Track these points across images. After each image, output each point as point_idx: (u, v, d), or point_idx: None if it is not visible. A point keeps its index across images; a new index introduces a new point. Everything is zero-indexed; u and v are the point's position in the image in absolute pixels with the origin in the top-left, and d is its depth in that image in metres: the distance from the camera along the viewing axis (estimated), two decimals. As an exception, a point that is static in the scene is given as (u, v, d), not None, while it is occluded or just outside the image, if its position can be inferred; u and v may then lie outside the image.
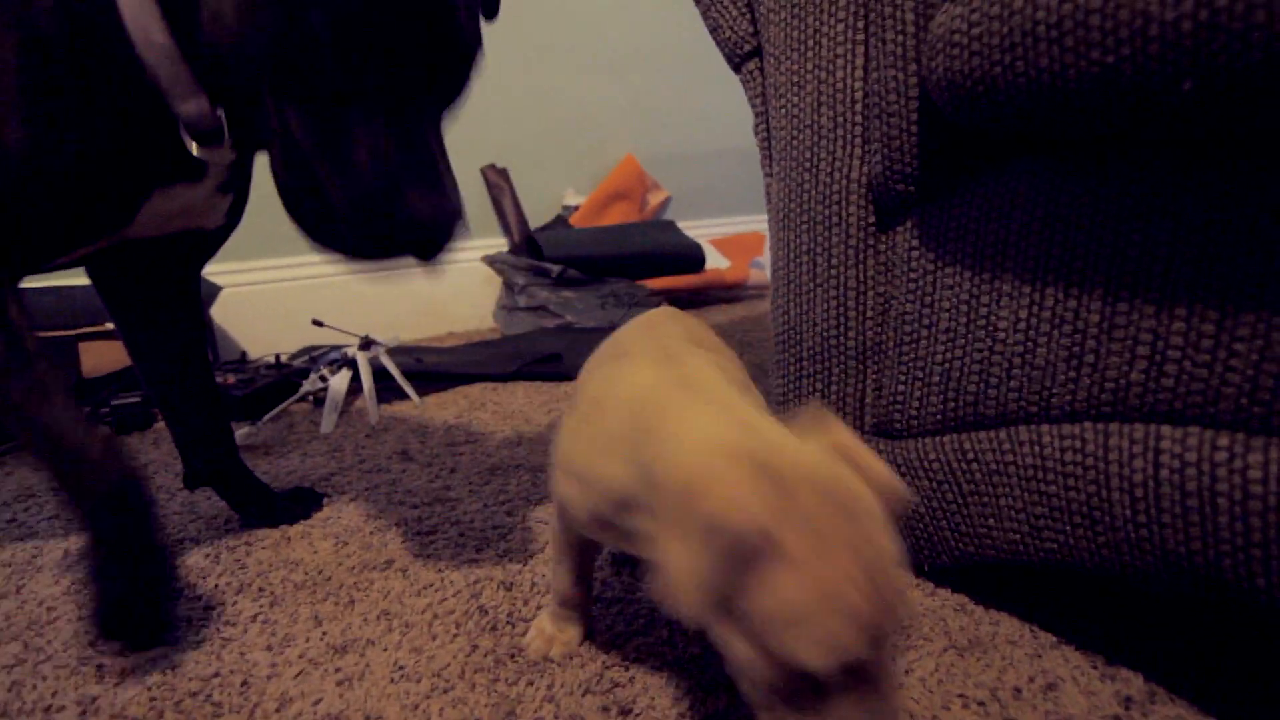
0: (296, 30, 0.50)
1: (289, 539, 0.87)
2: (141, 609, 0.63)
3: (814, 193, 0.71)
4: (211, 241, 0.79)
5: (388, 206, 0.51)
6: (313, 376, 1.39)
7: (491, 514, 0.90)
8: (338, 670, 0.63)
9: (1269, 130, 0.47)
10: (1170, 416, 0.51)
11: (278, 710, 0.59)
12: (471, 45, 0.58)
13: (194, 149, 0.61)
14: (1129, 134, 0.51)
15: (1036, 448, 0.58)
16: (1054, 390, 0.57)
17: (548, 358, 1.59)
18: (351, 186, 0.52)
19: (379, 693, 0.59)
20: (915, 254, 0.66)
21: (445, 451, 1.13)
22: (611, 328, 1.77)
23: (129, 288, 0.79)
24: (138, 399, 1.34)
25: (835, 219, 0.70)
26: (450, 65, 0.56)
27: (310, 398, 1.43)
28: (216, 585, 0.78)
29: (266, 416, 1.29)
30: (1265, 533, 0.46)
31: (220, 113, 0.61)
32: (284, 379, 1.42)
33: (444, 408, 1.37)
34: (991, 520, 0.62)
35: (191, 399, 0.84)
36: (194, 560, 0.84)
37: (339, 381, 1.33)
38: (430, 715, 0.56)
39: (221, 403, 0.86)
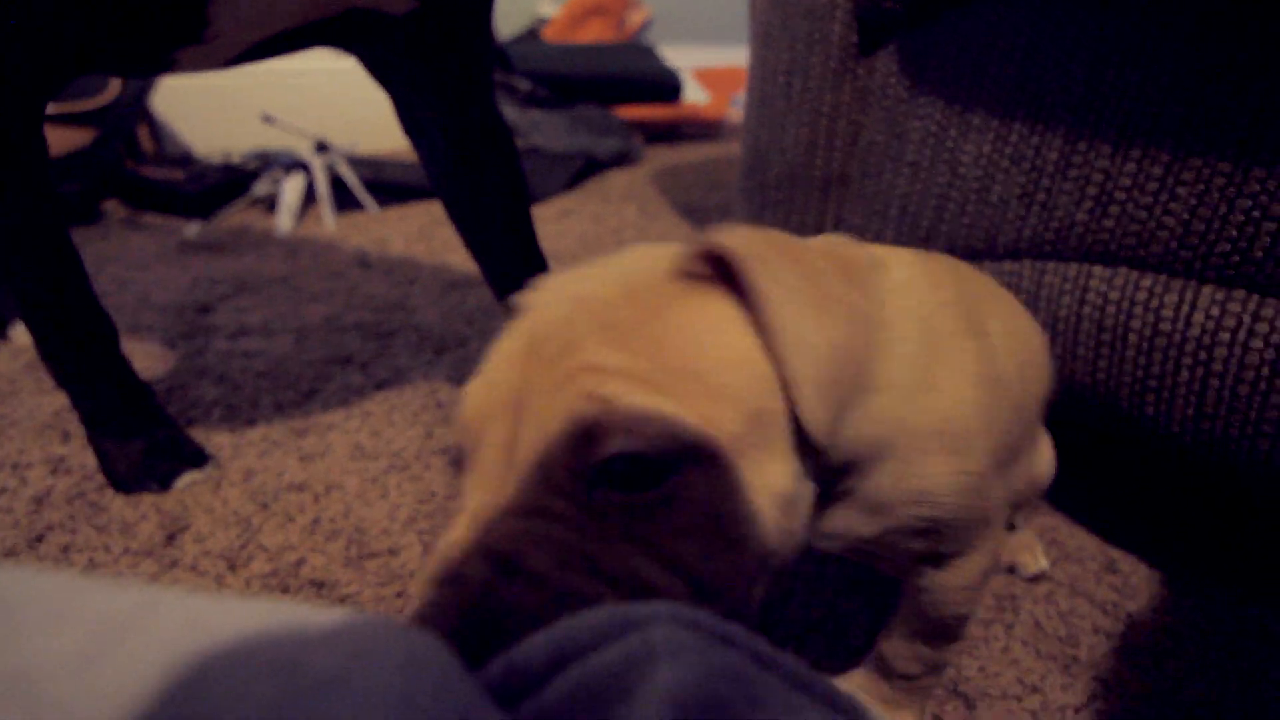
0: None
1: (247, 331, 0.88)
2: (152, 455, 0.61)
3: (799, 5, 0.68)
4: (424, 35, 0.54)
5: None
6: (265, 178, 1.33)
7: (450, 323, 0.91)
8: (299, 449, 0.66)
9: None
10: (1104, 257, 0.53)
11: (244, 481, 0.63)
12: None
13: None
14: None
15: (977, 283, 0.61)
16: (1003, 227, 0.58)
17: (513, 180, 1.55)
18: None
19: (340, 468, 0.63)
20: (893, 80, 0.64)
21: (405, 262, 1.12)
22: (581, 154, 1.72)
23: (410, 122, 0.62)
24: (76, 187, 1.28)
25: (818, 37, 0.67)
26: None
27: (263, 202, 1.38)
28: (176, 370, 0.80)
29: (219, 214, 1.25)
30: (1164, 366, 0.50)
31: None
32: (235, 179, 1.36)
33: (404, 220, 1.34)
34: (924, 350, 0.66)
35: (509, 253, 0.65)
36: (151, 347, 0.85)
37: (294, 182, 1.29)
38: (388, 488, 0.61)
39: (544, 266, 0.68)
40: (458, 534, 0.22)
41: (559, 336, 0.24)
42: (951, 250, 0.63)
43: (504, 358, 0.25)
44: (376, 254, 1.16)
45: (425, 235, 1.26)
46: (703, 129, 2.29)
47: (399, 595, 0.51)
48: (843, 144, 0.70)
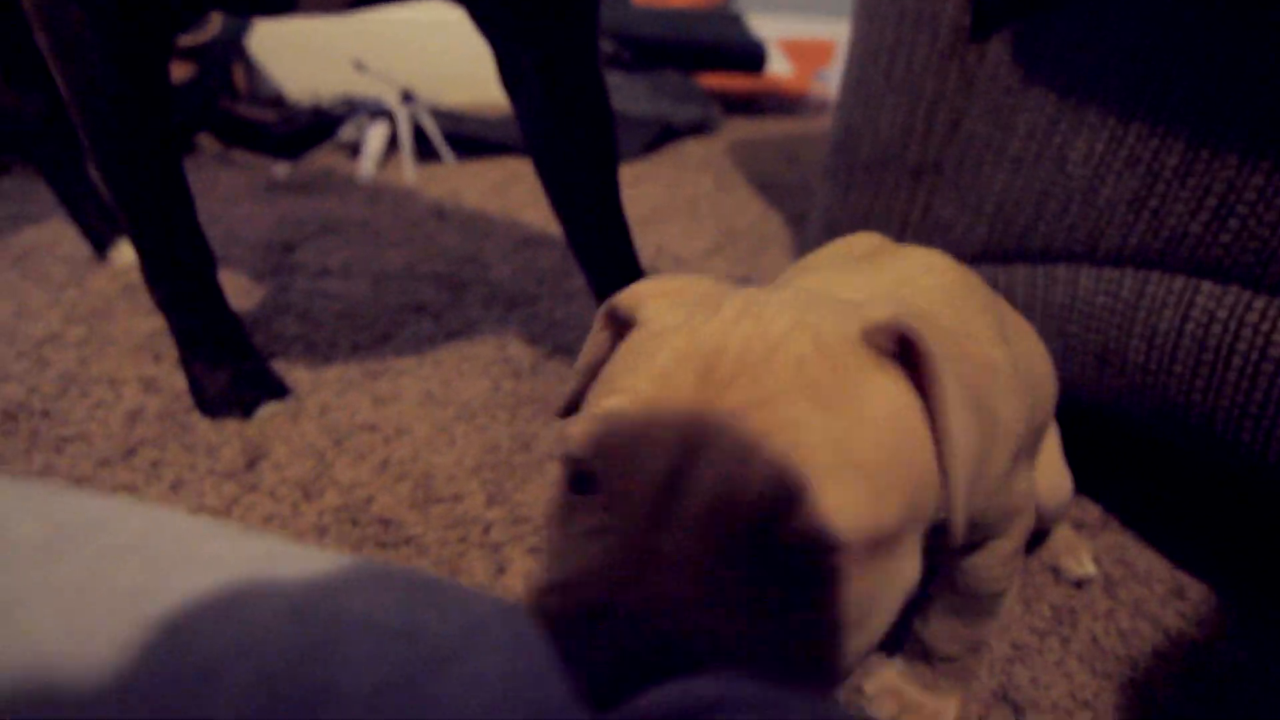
0: None
1: (329, 272, 0.91)
2: (238, 384, 0.65)
3: (911, -18, 0.65)
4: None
5: None
6: (351, 123, 1.36)
7: (521, 280, 0.93)
8: (373, 391, 0.69)
9: None
10: (1216, 272, 0.51)
11: (320, 416, 0.65)
12: None
13: None
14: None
15: (1072, 287, 0.58)
16: (1107, 231, 0.56)
17: (589, 142, 1.54)
18: None
19: (410, 413, 0.65)
20: (1003, 69, 0.61)
21: (479, 216, 1.14)
22: (658, 121, 1.70)
23: (510, 76, 0.62)
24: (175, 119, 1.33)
25: (927, 17, 0.64)
26: None
27: (347, 146, 1.41)
28: (261, 304, 0.83)
29: (305, 155, 1.28)
30: (1269, 393, 0.47)
31: None
32: (323, 122, 1.39)
33: (481, 175, 1.35)
34: (1004, 352, 0.64)
35: (593, 214, 0.65)
36: (238, 281, 0.88)
37: (378, 130, 1.31)
38: (455, 436, 0.62)
39: (626, 230, 0.67)
40: (606, 562, 0.20)
41: (750, 377, 0.22)
42: (1048, 251, 0.60)
43: (663, 380, 0.22)
44: (452, 206, 1.18)
45: (500, 191, 1.27)
46: (784, 102, 2.23)
47: (461, 540, 0.53)
48: (941, 131, 0.68)
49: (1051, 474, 0.51)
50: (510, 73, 0.62)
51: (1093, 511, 0.62)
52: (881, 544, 0.22)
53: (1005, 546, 0.37)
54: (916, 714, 0.43)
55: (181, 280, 0.62)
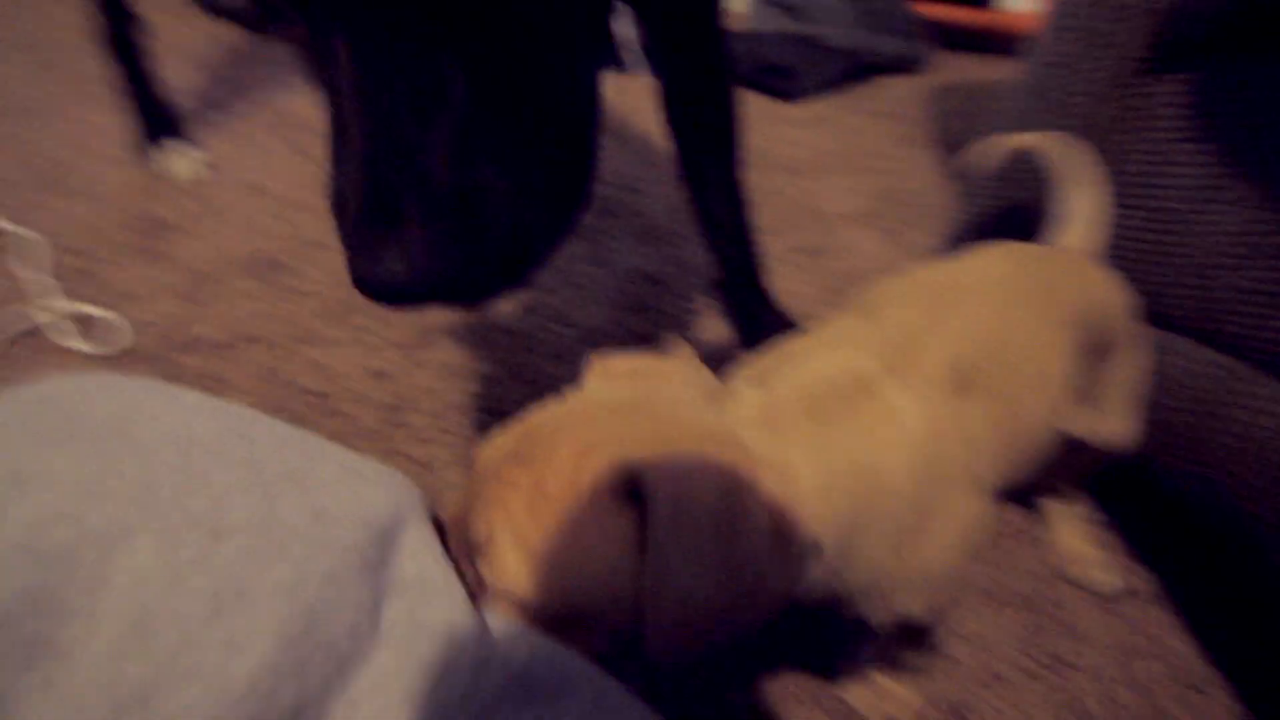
0: None
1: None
2: None
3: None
4: None
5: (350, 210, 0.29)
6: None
7: (671, 217, 0.99)
8: (521, 300, 0.81)
9: None
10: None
11: (496, 318, 0.79)
12: None
13: None
14: None
15: (1184, 360, 0.57)
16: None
17: (778, 69, 1.51)
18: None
19: (544, 326, 0.78)
20: (1165, 112, 0.58)
21: (650, 142, 1.19)
22: (855, 53, 1.59)
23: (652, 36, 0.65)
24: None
25: (1109, 37, 0.61)
26: None
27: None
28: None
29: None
30: None
31: None
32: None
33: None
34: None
35: (709, 185, 0.69)
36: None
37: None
38: (576, 355, 0.74)
39: (742, 208, 0.71)
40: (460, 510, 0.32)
41: (524, 465, 0.29)
42: (1167, 319, 0.59)
43: (502, 439, 0.32)
44: (629, 125, 1.24)
45: (677, 113, 1.31)
46: (1010, 44, 2.01)
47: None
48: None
49: (1115, 412, 0.51)
50: (647, 45, 0.67)
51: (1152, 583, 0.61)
52: (549, 618, 0.29)
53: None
54: (890, 700, 0.50)
55: None
